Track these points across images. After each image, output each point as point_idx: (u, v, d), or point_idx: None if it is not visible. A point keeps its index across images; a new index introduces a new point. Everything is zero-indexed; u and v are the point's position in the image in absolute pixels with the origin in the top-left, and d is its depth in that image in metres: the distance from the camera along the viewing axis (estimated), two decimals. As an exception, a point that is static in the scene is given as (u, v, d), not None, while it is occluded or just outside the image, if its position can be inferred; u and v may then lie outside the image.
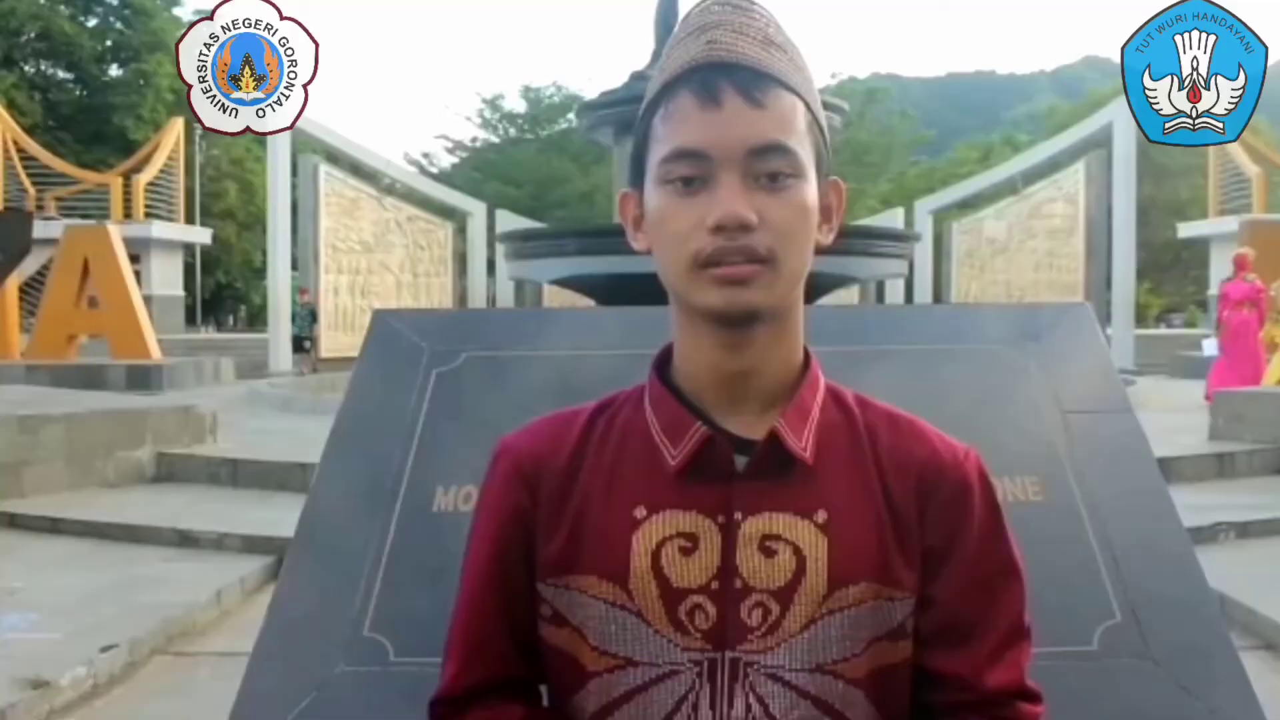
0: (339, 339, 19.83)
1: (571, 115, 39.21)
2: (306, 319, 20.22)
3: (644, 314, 2.27)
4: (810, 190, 1.12)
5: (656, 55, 13.97)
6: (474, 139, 48.32)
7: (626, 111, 13.35)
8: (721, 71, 1.11)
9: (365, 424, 2.24)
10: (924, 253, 21.84)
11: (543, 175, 41.69)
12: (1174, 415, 11.85)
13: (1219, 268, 29.79)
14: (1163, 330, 38.12)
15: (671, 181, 1.11)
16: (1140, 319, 31.34)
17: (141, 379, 16.75)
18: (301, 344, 20.37)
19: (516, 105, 47.69)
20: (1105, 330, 21.19)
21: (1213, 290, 29.84)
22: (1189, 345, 25.26)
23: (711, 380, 1.15)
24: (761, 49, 1.14)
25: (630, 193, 1.20)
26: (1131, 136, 21.71)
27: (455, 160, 48.69)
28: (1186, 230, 33.23)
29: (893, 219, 24.38)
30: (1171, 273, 45.70)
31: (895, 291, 23.28)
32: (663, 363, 1.21)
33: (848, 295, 20.93)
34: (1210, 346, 16.49)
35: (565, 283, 13.56)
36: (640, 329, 2.16)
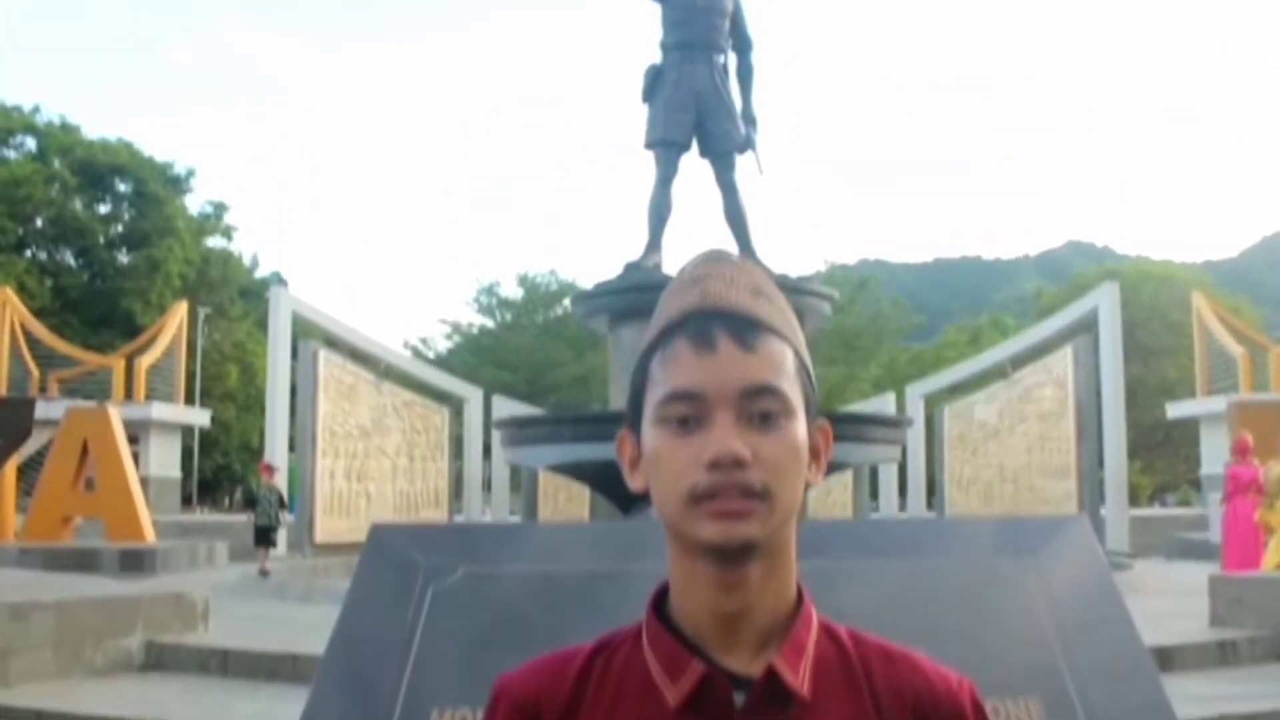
0: (334, 524, 19.71)
1: (567, 301, 39.92)
2: (273, 504, 17.96)
3: (639, 528, 2.30)
4: (800, 430, 1.16)
5: (650, 246, 14.35)
6: (471, 324, 49.05)
7: (620, 300, 13.65)
8: (715, 319, 1.17)
9: (361, 641, 2.24)
10: (916, 437, 21.97)
11: (538, 360, 42.20)
12: (1173, 599, 11.76)
13: (1210, 447, 29.97)
14: (1157, 510, 38.03)
15: (668, 421, 1.15)
16: (1133, 499, 31.30)
17: (135, 562, 16.65)
18: (268, 535, 17.74)
19: (513, 292, 48.59)
20: (1099, 511, 21.27)
21: (1205, 470, 30.04)
22: (1184, 526, 25.25)
23: (708, 618, 1.17)
24: (751, 299, 1.20)
25: (627, 434, 1.23)
26: (1117, 320, 22.14)
27: (452, 344, 49.31)
28: (1175, 410, 33.50)
29: (885, 403, 24.62)
30: (1162, 452, 45.85)
31: (888, 475, 23.32)
32: (659, 600, 1.22)
33: (841, 480, 20.98)
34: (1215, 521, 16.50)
35: (560, 469, 13.62)
36: (637, 540, 2.23)
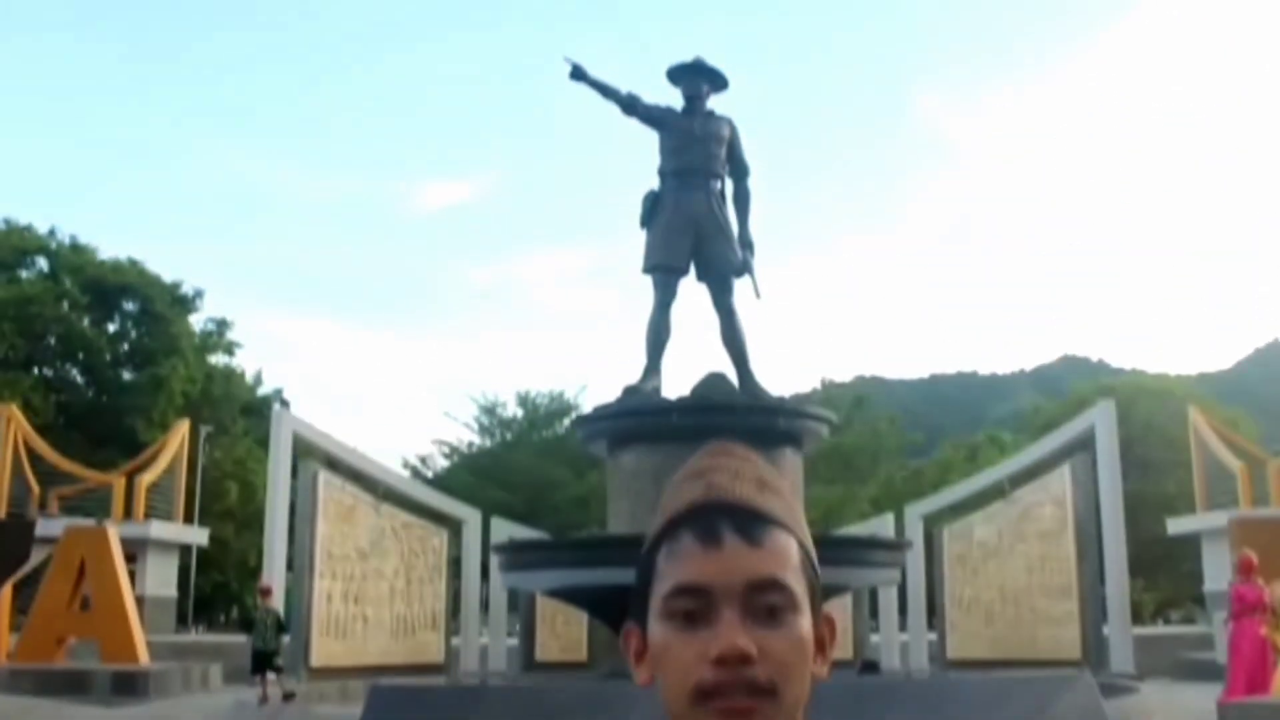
0: (331, 647, 19.49)
1: (566, 421, 40.12)
2: (271, 628, 17.73)
3: (632, 689, 2.35)
4: (806, 624, 1.18)
5: (648, 370, 14.47)
6: (470, 443, 49.08)
7: (620, 424, 13.76)
8: (721, 512, 1.19)
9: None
10: (915, 557, 21.85)
11: (537, 480, 42.15)
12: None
13: (1212, 563, 29.80)
14: (1161, 629, 37.64)
15: (674, 616, 1.16)
16: (1136, 617, 31.03)
17: (128, 685, 16.47)
18: (270, 660, 17.15)
19: (512, 410, 48.71)
20: (1102, 630, 21.09)
21: (1208, 586, 29.84)
22: (1190, 645, 25.00)
23: None
24: (757, 491, 1.21)
25: (632, 627, 1.24)
26: (1114, 438, 22.20)
27: (451, 464, 49.28)
28: (1176, 526, 33.36)
29: (883, 524, 24.54)
30: (1164, 568, 45.55)
31: (888, 597, 23.14)
32: None
33: (841, 603, 20.82)
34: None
35: (558, 594, 13.58)
36: (631, 701, 2.29)
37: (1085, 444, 22.56)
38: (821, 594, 1.25)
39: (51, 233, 47.73)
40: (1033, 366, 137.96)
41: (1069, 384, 67.05)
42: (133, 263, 47.69)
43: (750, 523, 1.19)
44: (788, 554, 1.20)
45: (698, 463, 1.28)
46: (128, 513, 31.57)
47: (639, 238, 15.21)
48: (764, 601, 1.16)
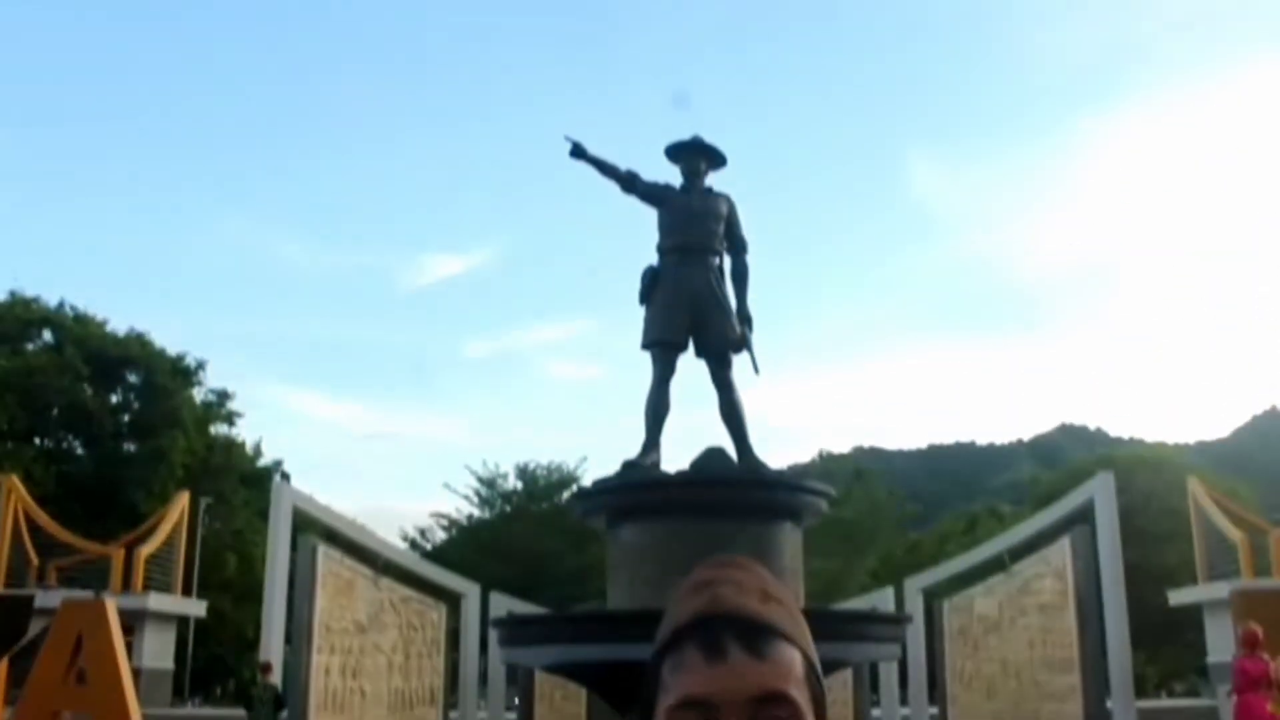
0: (328, 722, 19.37)
1: (566, 493, 40.04)
2: (268, 704, 17.60)
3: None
4: None
5: (647, 445, 14.49)
6: (469, 515, 48.98)
7: (618, 499, 13.76)
8: (725, 625, 1.19)
9: None
10: (916, 631, 21.75)
11: (536, 553, 42.00)
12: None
13: (1215, 634, 29.64)
14: (1164, 702, 37.30)
15: None
16: (1139, 689, 30.74)
17: (123, 763, 16.26)
18: None
19: (511, 482, 48.62)
20: (1105, 704, 20.90)
21: (1212, 658, 29.66)
22: (1194, 718, 24.82)
23: None
24: (761, 603, 1.22)
25: None
26: (1113, 511, 22.15)
27: (450, 536, 49.17)
28: (1177, 597, 33.19)
29: (883, 598, 24.44)
30: (1166, 639, 45.25)
31: (889, 671, 22.99)
32: None
33: (841, 678, 20.69)
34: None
35: (556, 669, 13.52)
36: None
37: (1085, 516, 22.52)
38: (825, 705, 1.26)
39: (61, 306, 48.19)
40: (1030, 436, 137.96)
41: (1067, 454, 67.25)
42: (136, 335, 48.09)
43: (754, 635, 1.19)
44: (792, 666, 1.20)
45: (701, 574, 1.30)
46: (126, 584, 31.47)
47: (638, 313, 15.32)
48: (769, 715, 1.16)
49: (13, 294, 47.44)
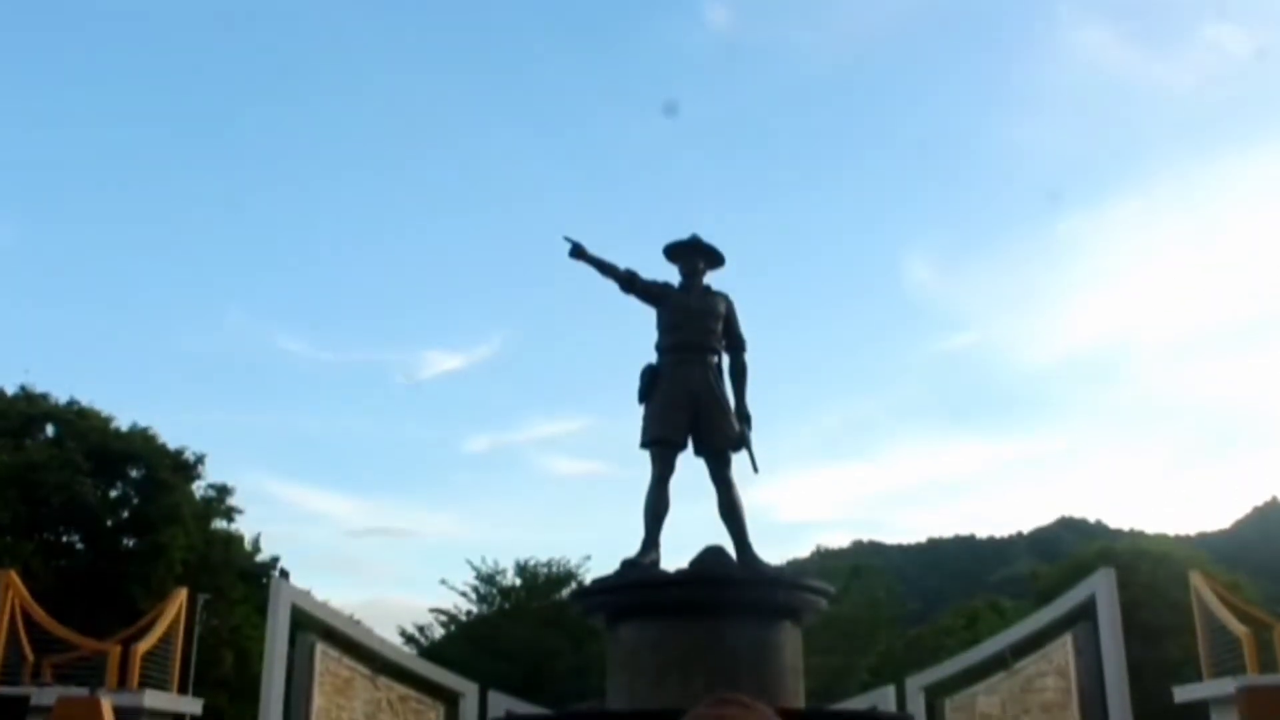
0: (324, 826, 19.14)
1: (565, 590, 39.88)
2: None
3: None
4: None
5: (646, 544, 14.50)
6: (468, 612, 48.64)
7: (618, 598, 13.77)
8: None
9: None
10: (919, 730, 21.56)
11: (536, 650, 41.63)
12: None
13: (1221, 733, 29.29)
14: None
15: None
16: (1147, 789, 30.32)
17: None
18: None
19: (511, 578, 48.37)
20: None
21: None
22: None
23: None
24: None
25: None
26: (1115, 607, 22.08)
27: (449, 633, 48.80)
28: (1183, 694, 32.79)
29: (884, 696, 24.24)
30: (1173, 737, 44.59)
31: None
32: None
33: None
34: None
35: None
36: None
37: (1087, 612, 22.43)
38: None
39: (71, 403, 48.44)
40: (1030, 529, 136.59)
41: (1067, 547, 66.86)
42: (138, 429, 48.16)
43: None
44: None
45: (704, 711, 1.34)
46: (122, 681, 31.08)
47: (637, 409, 15.41)
48: None
49: (23, 388, 47.79)
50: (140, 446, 47.13)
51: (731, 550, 14.59)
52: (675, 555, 14.96)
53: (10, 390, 47.71)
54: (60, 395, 48.77)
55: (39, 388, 48.41)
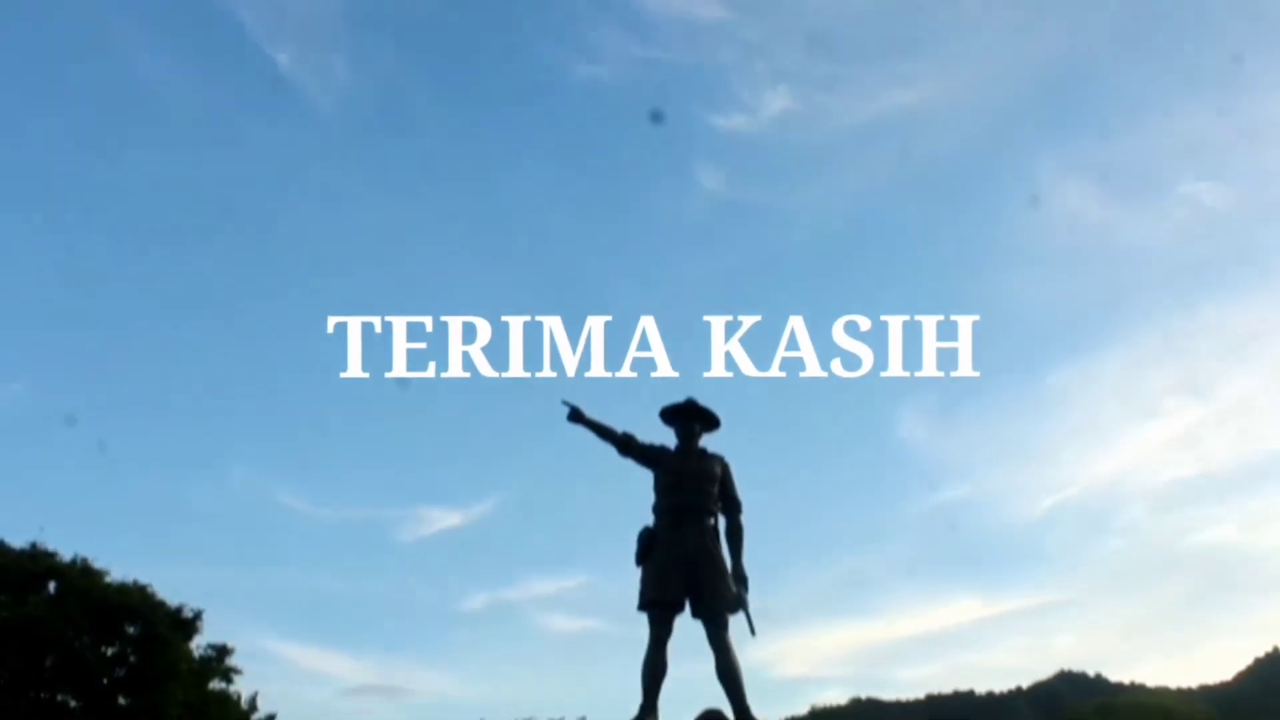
0: None
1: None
2: None
3: None
4: None
5: (645, 707, 14.68)
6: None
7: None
8: None
9: None
10: None
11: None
12: None
13: None
14: None
15: None
16: None
17: None
18: None
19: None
20: None
21: None
22: None
23: None
24: None
25: None
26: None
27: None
28: None
29: None
30: None
31: None
32: None
33: None
34: None
35: None
36: None
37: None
38: None
39: (75, 560, 48.47)
40: (1029, 683, 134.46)
41: (1067, 702, 66.20)
42: (138, 585, 48.05)
43: None
44: None
45: None
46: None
47: (635, 568, 15.75)
48: None
49: (34, 545, 47.81)
50: (140, 602, 46.81)
51: (729, 714, 14.87)
52: (674, 716, 15.25)
53: (18, 545, 47.68)
54: (65, 552, 48.78)
55: (49, 545, 48.37)
